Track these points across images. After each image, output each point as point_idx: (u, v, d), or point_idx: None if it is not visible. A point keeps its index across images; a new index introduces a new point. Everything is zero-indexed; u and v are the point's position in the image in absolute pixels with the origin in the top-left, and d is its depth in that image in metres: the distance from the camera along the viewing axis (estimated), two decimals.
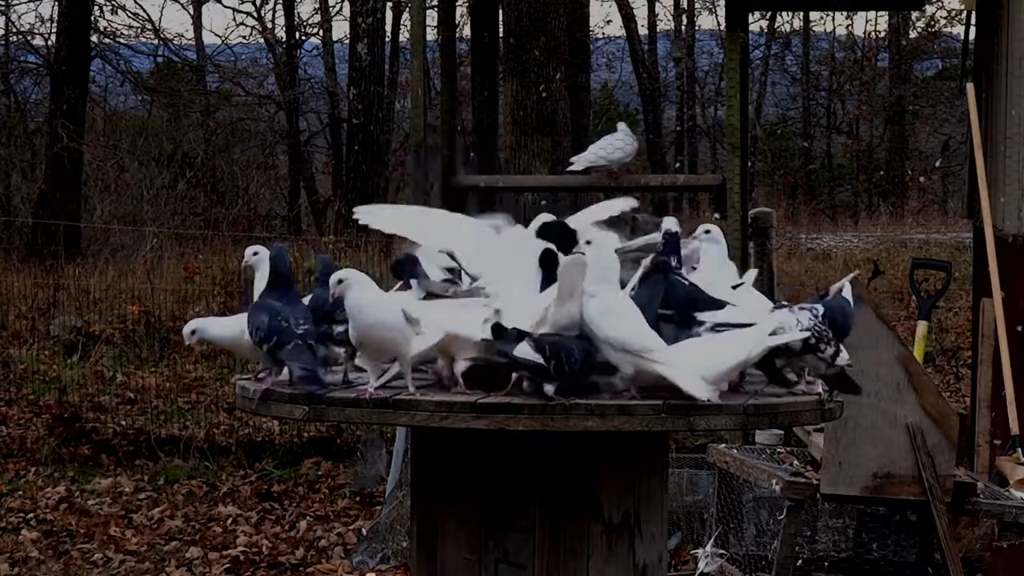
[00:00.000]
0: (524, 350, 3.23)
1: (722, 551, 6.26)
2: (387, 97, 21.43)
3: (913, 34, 27.68)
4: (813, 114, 28.70)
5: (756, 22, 27.26)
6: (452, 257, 3.77)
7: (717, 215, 7.55)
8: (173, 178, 20.51)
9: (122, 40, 23.93)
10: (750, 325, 3.45)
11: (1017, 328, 6.97)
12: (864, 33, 31.06)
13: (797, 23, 28.58)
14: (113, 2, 24.11)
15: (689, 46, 27.82)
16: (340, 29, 30.00)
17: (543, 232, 3.74)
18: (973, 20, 8.15)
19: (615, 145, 7.33)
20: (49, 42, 22.63)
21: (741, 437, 6.65)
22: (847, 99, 28.35)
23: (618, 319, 3.28)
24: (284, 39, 25.51)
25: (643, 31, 28.03)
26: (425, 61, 8.66)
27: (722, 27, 18.72)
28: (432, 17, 10.60)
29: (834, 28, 29.20)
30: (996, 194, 7.15)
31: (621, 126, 7.45)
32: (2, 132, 22.00)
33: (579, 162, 7.31)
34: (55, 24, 21.60)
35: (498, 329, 3.29)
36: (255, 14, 26.57)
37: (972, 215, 7.48)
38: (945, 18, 26.92)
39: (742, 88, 7.57)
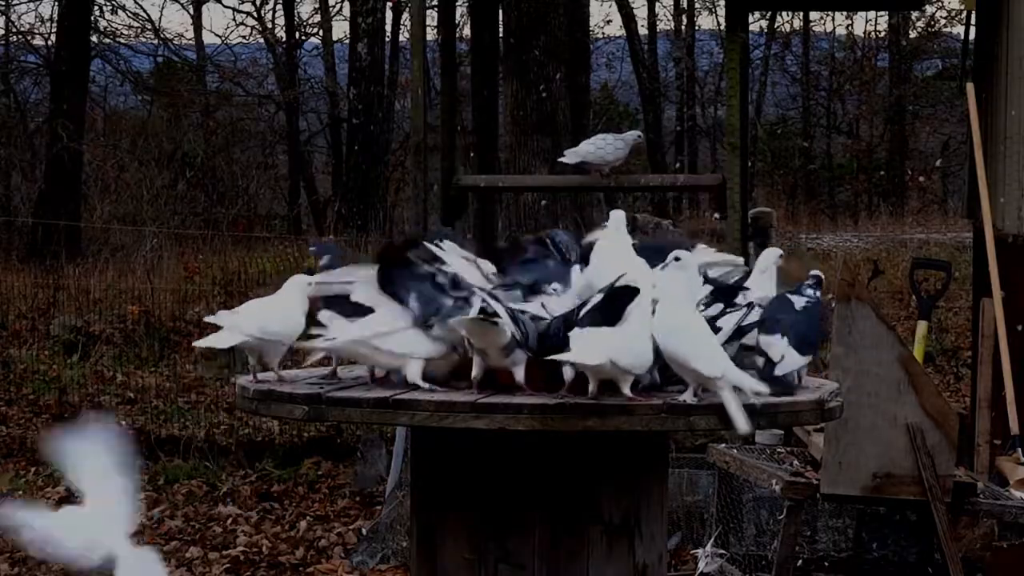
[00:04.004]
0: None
1: (722, 551, 6.27)
2: (387, 97, 21.42)
3: (913, 34, 27.68)
4: (813, 114, 28.71)
5: (756, 22, 27.29)
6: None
7: (717, 215, 7.55)
8: (173, 178, 20.51)
9: (122, 40, 23.96)
10: None
11: (1017, 328, 6.97)
12: (864, 33, 31.08)
13: (797, 23, 28.60)
14: (113, 2, 24.13)
15: (689, 46, 27.82)
16: (340, 29, 30.00)
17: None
18: (973, 20, 8.15)
19: (609, 142, 7.35)
20: (49, 42, 22.64)
21: (741, 437, 6.65)
22: (847, 99, 28.35)
23: (686, 336, 3.28)
24: (284, 39, 25.51)
25: (643, 31, 28.04)
26: (425, 61, 8.66)
27: (722, 27, 18.73)
28: (432, 17, 10.60)
29: (834, 28, 29.24)
30: (996, 194, 7.16)
31: (630, 135, 7.44)
32: (2, 132, 22.00)
33: (571, 156, 7.31)
34: (55, 24, 21.60)
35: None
36: (255, 14, 26.59)
37: (972, 215, 7.49)
38: (945, 18, 26.95)
39: (742, 88, 7.57)
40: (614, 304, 3.30)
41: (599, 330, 3.28)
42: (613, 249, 3.66)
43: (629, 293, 3.30)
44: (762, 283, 3.78)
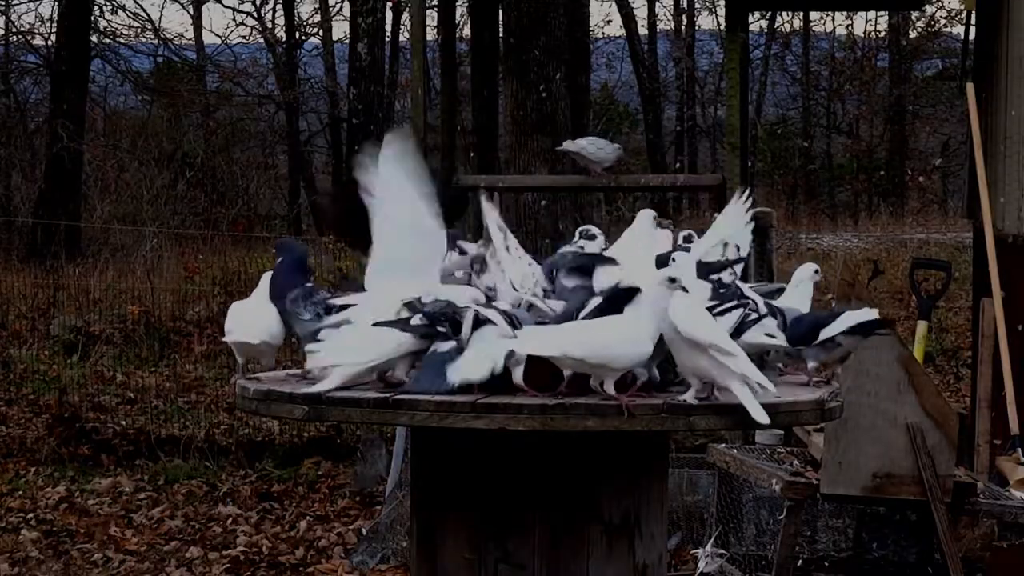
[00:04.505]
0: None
1: (722, 551, 6.27)
2: (387, 97, 21.41)
3: (913, 34, 27.68)
4: (813, 114, 28.71)
5: (756, 22, 27.29)
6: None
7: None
8: (173, 178, 20.52)
9: (122, 40, 23.97)
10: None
11: (1017, 328, 6.97)
12: (864, 33, 31.09)
13: (797, 23, 28.61)
14: (113, 2, 24.16)
15: (689, 46, 27.82)
16: (340, 29, 29.95)
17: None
18: (973, 20, 8.16)
19: (606, 143, 7.52)
20: (49, 42, 22.65)
21: (741, 437, 6.65)
22: (847, 99, 28.35)
23: (702, 320, 3.29)
24: (284, 39, 25.51)
25: (643, 31, 28.04)
26: (425, 61, 8.66)
27: (722, 27, 18.73)
28: (432, 17, 10.61)
29: (834, 28, 29.24)
30: (996, 194, 7.16)
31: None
32: (2, 132, 22.01)
33: (568, 145, 7.56)
34: (55, 24, 21.61)
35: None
36: (255, 14, 26.61)
37: (972, 215, 7.49)
38: (945, 18, 26.95)
39: (742, 88, 7.59)
40: (614, 306, 3.30)
41: (565, 324, 3.31)
42: (627, 250, 3.69)
43: (629, 294, 3.29)
44: (793, 297, 3.80)
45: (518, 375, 3.32)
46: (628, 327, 3.24)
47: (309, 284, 3.64)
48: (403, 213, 3.56)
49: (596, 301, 3.36)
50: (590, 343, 3.21)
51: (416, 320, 3.37)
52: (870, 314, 3.72)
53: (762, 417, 3.19)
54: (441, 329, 3.36)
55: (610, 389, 3.22)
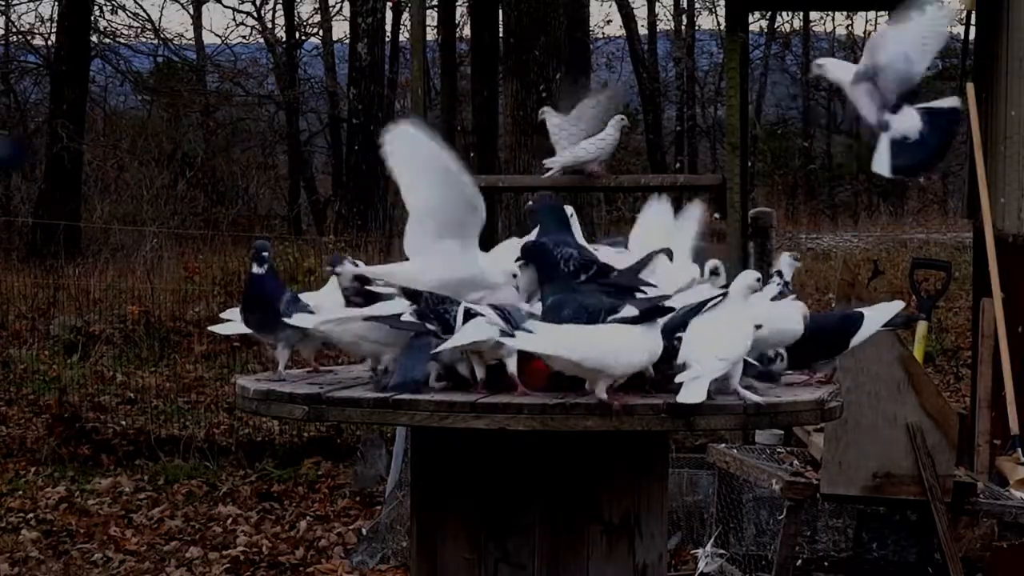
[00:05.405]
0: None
1: (722, 551, 6.27)
2: (387, 97, 21.42)
3: None
4: (813, 114, 28.70)
5: (756, 22, 27.29)
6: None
7: (717, 215, 7.57)
8: (173, 178, 20.51)
9: (122, 40, 23.95)
10: None
11: (1017, 328, 6.97)
12: (864, 33, 31.04)
13: (797, 23, 28.61)
14: (113, 2, 24.10)
15: (689, 46, 27.81)
16: (340, 29, 29.92)
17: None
18: (973, 20, 8.16)
19: (583, 145, 7.39)
20: (49, 42, 22.65)
21: (741, 437, 6.65)
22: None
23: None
24: (284, 39, 25.51)
25: (643, 31, 28.04)
26: (425, 61, 8.66)
27: (722, 27, 18.73)
28: (432, 17, 10.61)
29: (834, 28, 29.25)
30: (996, 194, 7.16)
31: (612, 121, 7.40)
32: (2, 132, 22.00)
33: (552, 164, 7.42)
34: (55, 24, 21.61)
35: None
36: (255, 14, 26.60)
37: (972, 215, 7.49)
38: None
39: (742, 88, 7.58)
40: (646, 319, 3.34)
41: (566, 325, 3.32)
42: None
43: (663, 312, 3.33)
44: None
45: (512, 366, 3.32)
46: (628, 336, 3.24)
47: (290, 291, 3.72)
48: (436, 180, 3.60)
49: (628, 311, 3.36)
50: (588, 348, 3.21)
51: (406, 317, 3.39)
52: (896, 308, 3.72)
53: (683, 396, 3.19)
54: (430, 327, 3.37)
55: (601, 393, 3.22)
